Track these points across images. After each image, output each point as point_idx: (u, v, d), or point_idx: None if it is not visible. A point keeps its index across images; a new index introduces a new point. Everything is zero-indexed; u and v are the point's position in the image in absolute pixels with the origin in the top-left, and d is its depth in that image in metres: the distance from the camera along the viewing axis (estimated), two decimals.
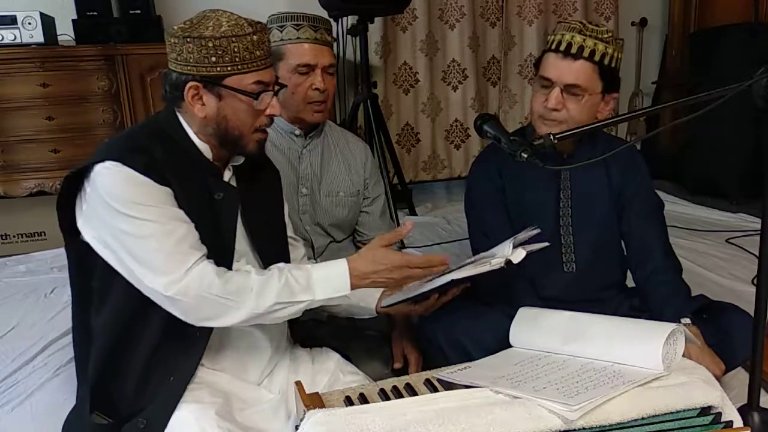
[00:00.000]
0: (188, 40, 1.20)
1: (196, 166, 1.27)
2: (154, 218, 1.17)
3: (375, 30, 3.50)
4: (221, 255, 1.26)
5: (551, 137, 1.31)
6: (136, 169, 1.17)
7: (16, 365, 1.91)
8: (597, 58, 1.51)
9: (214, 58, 1.20)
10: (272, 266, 1.26)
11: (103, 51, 2.96)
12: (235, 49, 1.20)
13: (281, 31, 1.71)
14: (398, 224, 3.00)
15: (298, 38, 1.70)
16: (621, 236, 1.70)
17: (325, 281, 1.23)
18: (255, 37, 1.22)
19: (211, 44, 1.19)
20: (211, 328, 1.25)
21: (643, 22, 4.34)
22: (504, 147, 1.39)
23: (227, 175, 1.34)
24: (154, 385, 1.24)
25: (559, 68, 1.52)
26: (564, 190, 1.67)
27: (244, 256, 1.36)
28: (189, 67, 1.22)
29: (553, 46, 1.54)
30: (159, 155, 1.22)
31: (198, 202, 1.25)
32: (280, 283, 1.21)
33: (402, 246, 2.89)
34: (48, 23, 2.95)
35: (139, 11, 3.06)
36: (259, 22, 1.26)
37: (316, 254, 1.83)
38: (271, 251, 1.39)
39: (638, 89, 4.39)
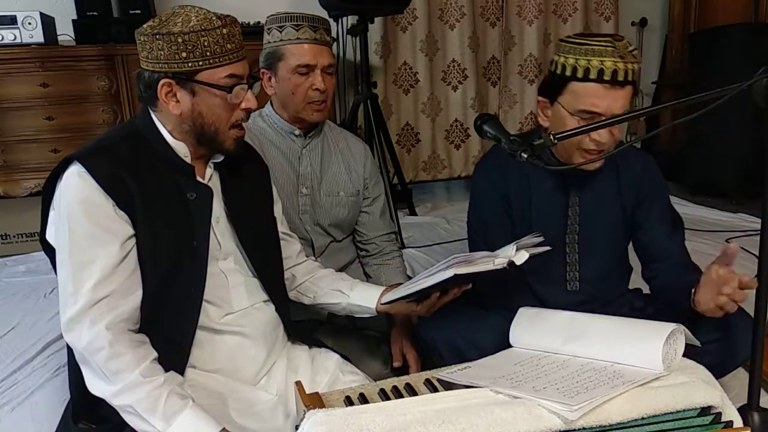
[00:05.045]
0: (157, 37, 1.19)
1: (169, 167, 1.26)
2: (92, 257, 1.16)
3: (375, 30, 3.51)
4: (197, 256, 1.25)
5: (551, 137, 1.30)
6: (98, 181, 1.16)
7: (16, 365, 1.91)
8: (634, 77, 1.40)
9: (184, 54, 1.19)
10: (163, 375, 1.16)
11: (103, 51, 2.97)
12: (206, 44, 1.19)
13: (281, 32, 1.71)
14: (398, 224, 3.00)
15: (297, 38, 1.70)
16: (637, 247, 1.61)
17: (189, 427, 1.13)
18: (225, 30, 1.21)
19: (180, 39, 1.18)
20: (193, 336, 1.25)
21: (643, 22, 4.34)
22: (504, 147, 1.35)
23: (208, 172, 1.33)
24: None
25: (609, 99, 1.39)
26: (572, 207, 1.57)
27: (232, 254, 1.35)
28: (160, 65, 1.21)
29: (594, 76, 1.38)
30: (127, 158, 1.21)
31: (170, 204, 1.24)
32: (148, 394, 1.13)
33: (402, 246, 2.90)
34: (48, 23, 2.96)
35: (139, 11, 3.06)
36: (228, 16, 1.24)
37: (316, 254, 1.83)
38: (259, 248, 1.39)
39: (638, 89, 4.39)
